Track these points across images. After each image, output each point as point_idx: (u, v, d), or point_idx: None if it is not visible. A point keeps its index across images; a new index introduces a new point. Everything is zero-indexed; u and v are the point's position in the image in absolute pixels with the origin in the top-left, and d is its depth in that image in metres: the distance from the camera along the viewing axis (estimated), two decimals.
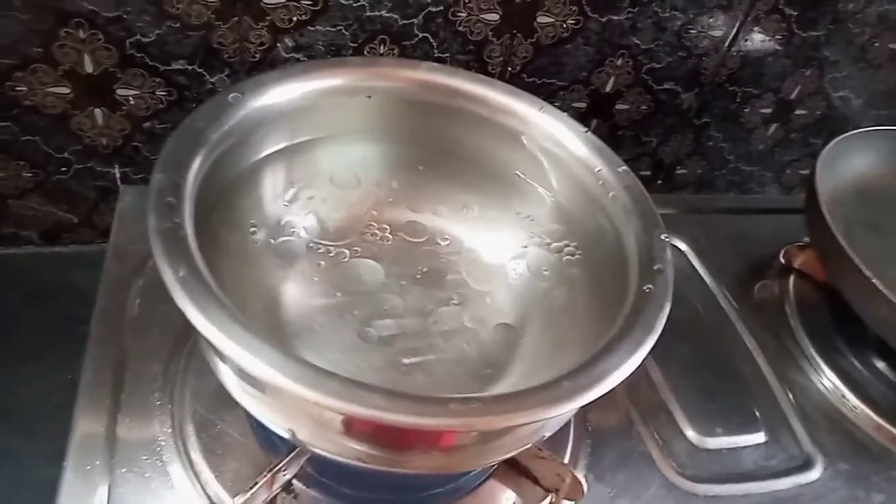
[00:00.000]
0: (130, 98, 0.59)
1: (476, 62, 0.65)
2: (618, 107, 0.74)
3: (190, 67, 0.58)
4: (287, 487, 0.44)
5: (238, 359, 0.32)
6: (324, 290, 0.49)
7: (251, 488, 0.41)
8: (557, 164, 0.50)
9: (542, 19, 0.63)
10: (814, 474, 0.55)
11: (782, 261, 0.71)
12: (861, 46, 0.76)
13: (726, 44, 0.71)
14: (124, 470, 0.44)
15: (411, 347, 0.47)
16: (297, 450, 0.42)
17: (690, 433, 0.55)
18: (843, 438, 0.58)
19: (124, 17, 0.54)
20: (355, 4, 0.58)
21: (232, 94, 0.44)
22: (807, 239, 0.70)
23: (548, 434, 0.42)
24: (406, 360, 0.46)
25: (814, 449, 0.57)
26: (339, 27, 0.59)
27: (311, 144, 0.50)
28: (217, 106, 0.43)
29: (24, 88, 0.56)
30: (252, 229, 0.47)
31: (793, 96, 0.79)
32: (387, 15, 0.59)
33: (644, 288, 0.41)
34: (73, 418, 0.46)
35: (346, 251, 0.51)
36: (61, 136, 0.60)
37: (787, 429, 0.58)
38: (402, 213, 0.54)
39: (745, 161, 0.85)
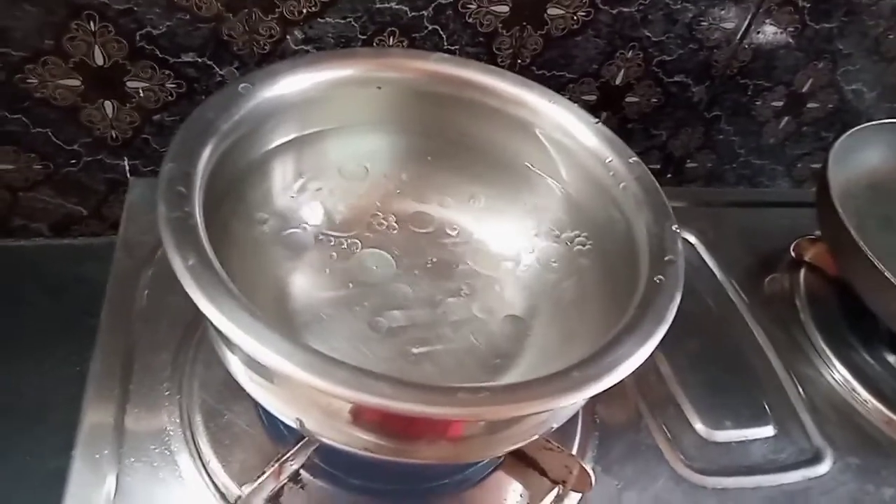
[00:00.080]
0: (140, 90, 0.59)
1: (486, 54, 0.65)
2: (628, 99, 0.73)
3: (200, 60, 0.58)
4: (295, 477, 0.45)
5: (246, 347, 0.32)
6: (333, 280, 0.49)
7: (259, 478, 0.41)
8: (567, 155, 0.50)
9: (553, 11, 0.63)
10: (823, 468, 0.55)
11: (793, 254, 0.70)
12: (875, 39, 0.75)
13: (738, 36, 0.71)
14: (133, 460, 0.45)
15: (420, 337, 0.47)
16: (305, 440, 0.42)
17: (699, 426, 0.55)
18: (852, 432, 0.58)
19: (135, 9, 0.54)
20: None
21: (242, 85, 0.44)
22: (817, 232, 0.69)
23: (556, 425, 0.41)
24: (415, 350, 0.46)
25: (823, 442, 0.56)
26: (348, 19, 0.59)
27: (320, 135, 0.50)
28: (227, 96, 0.43)
29: (35, 81, 0.56)
30: (261, 220, 0.47)
31: (805, 89, 0.79)
32: (396, 7, 0.59)
33: (655, 279, 0.40)
34: (82, 408, 0.46)
35: (356, 242, 0.51)
36: (71, 128, 0.60)
37: (796, 422, 0.58)
38: (411, 204, 0.54)
39: (756, 154, 0.85)
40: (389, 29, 0.61)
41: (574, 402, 0.36)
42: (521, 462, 0.48)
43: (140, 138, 0.62)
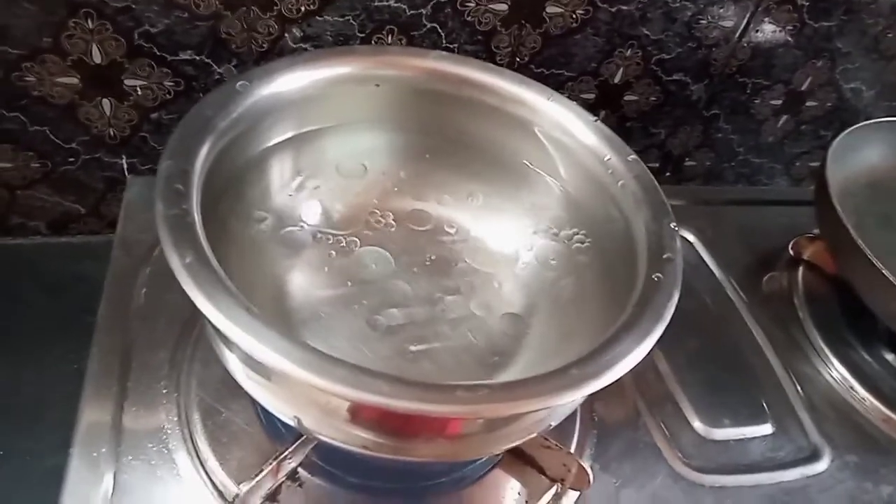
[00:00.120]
0: (138, 88, 0.59)
1: (484, 53, 0.65)
2: (626, 98, 0.73)
3: (198, 58, 0.58)
4: (292, 475, 0.44)
5: (244, 345, 0.32)
6: (332, 278, 0.49)
7: (256, 476, 0.41)
8: (566, 153, 0.50)
9: (552, 9, 0.63)
10: (821, 466, 0.55)
11: (791, 252, 0.70)
12: (874, 37, 0.75)
13: (737, 34, 0.71)
14: (130, 458, 0.45)
15: (418, 335, 0.47)
16: (303, 438, 0.42)
17: (697, 424, 0.55)
18: (851, 430, 0.58)
19: (133, 7, 0.54)
20: None
21: (240, 83, 0.44)
22: (816, 231, 0.69)
23: (554, 423, 0.41)
24: (413, 348, 0.46)
25: (821, 440, 0.56)
26: (346, 17, 0.59)
27: (318, 133, 0.50)
28: (225, 94, 0.43)
29: (33, 79, 0.56)
30: (259, 218, 0.47)
31: (803, 88, 0.79)
32: (395, 5, 0.59)
33: (653, 276, 0.40)
34: (80, 407, 0.46)
35: (354, 240, 0.51)
36: (69, 126, 0.60)
37: (794, 420, 0.58)
38: (409, 201, 0.54)
39: (755, 153, 0.85)
40: (388, 27, 0.61)
41: (572, 399, 0.36)
42: (520, 460, 0.48)
43: (138, 136, 0.62)
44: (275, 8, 0.57)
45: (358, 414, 0.35)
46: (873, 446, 0.57)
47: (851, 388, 0.61)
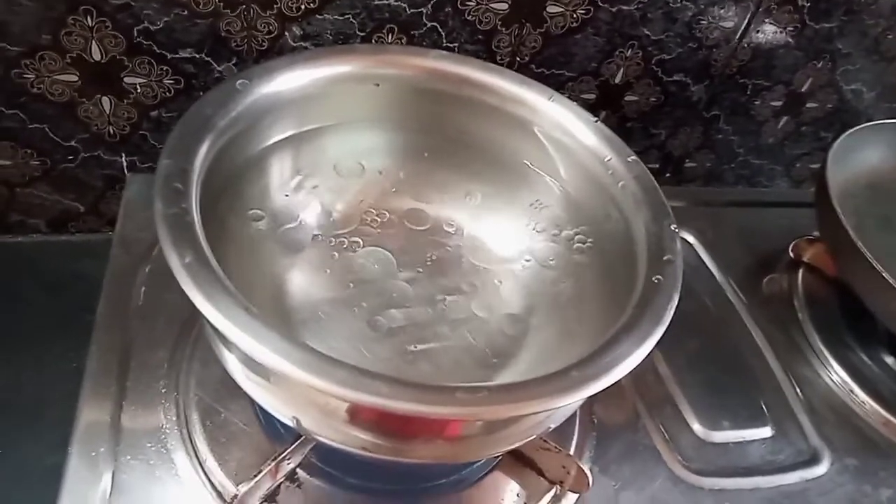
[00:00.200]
0: (138, 86, 0.59)
1: (485, 52, 0.64)
2: (627, 98, 0.73)
3: (197, 56, 0.58)
4: (291, 476, 0.44)
5: (243, 345, 0.32)
6: (332, 279, 0.49)
7: (255, 477, 0.41)
8: (566, 154, 0.50)
9: (552, 9, 0.63)
10: (821, 469, 0.55)
11: (791, 254, 0.70)
12: (875, 38, 0.75)
13: (737, 35, 0.71)
14: (129, 457, 0.44)
15: (418, 336, 0.47)
16: (302, 438, 0.42)
17: (697, 427, 0.55)
18: (850, 433, 0.58)
19: (132, 4, 0.54)
20: None
21: (239, 81, 0.44)
22: (816, 233, 0.69)
23: (554, 425, 0.41)
24: (412, 349, 0.46)
25: (821, 443, 0.56)
26: (347, 15, 0.59)
27: (318, 132, 0.49)
28: (224, 92, 0.43)
29: (32, 76, 0.56)
30: (259, 217, 0.47)
31: (804, 89, 0.78)
32: (395, 3, 0.59)
33: (653, 278, 0.40)
34: (79, 405, 0.46)
35: (355, 240, 0.51)
36: (68, 124, 0.59)
37: (794, 423, 0.58)
38: (408, 201, 0.53)
39: (755, 154, 0.85)
40: (388, 26, 0.61)
41: (573, 401, 0.36)
42: (519, 462, 0.48)
43: (137, 134, 0.62)
44: (275, 6, 0.57)
45: (357, 415, 0.35)
46: (873, 450, 0.57)
47: (851, 391, 0.61)
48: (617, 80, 0.71)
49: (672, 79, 0.73)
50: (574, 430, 0.52)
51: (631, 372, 0.36)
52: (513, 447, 0.42)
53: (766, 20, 0.70)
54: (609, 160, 0.48)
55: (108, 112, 0.60)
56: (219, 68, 0.59)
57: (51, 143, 0.60)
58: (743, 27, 0.70)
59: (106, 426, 0.46)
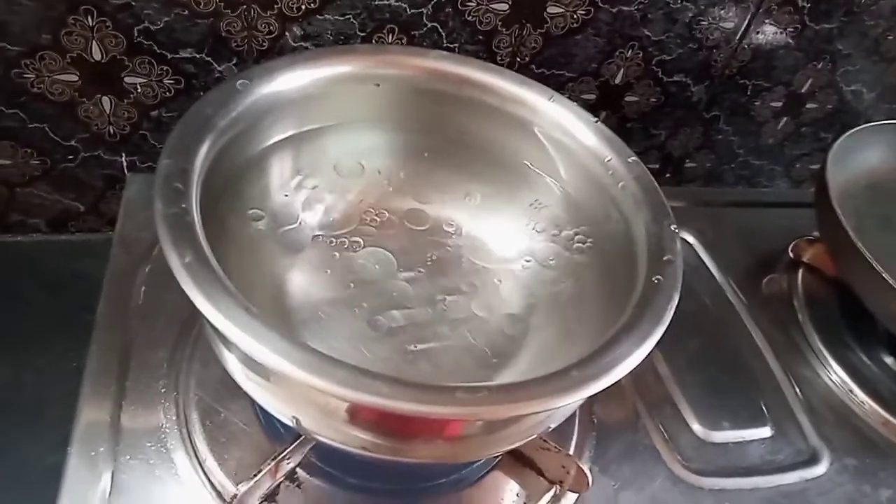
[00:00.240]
0: (138, 86, 0.59)
1: (485, 52, 0.64)
2: (627, 99, 0.73)
3: (198, 56, 0.58)
4: (291, 476, 0.44)
5: (243, 345, 0.32)
6: (332, 279, 0.49)
7: (255, 476, 0.41)
8: (567, 154, 0.50)
9: (553, 9, 0.63)
10: (820, 469, 0.55)
11: (791, 255, 0.70)
12: (875, 39, 0.75)
13: (738, 36, 0.71)
14: (128, 457, 0.44)
15: (418, 336, 0.47)
16: (302, 438, 0.42)
17: (696, 427, 0.55)
18: (850, 433, 0.58)
19: (132, 4, 0.54)
20: None
21: (240, 81, 0.44)
22: (816, 233, 0.69)
23: (554, 425, 0.41)
24: (412, 348, 0.46)
25: (820, 444, 0.56)
26: (347, 16, 0.59)
27: (318, 132, 0.49)
28: (225, 92, 0.43)
29: (32, 76, 0.56)
30: (259, 217, 0.47)
31: (804, 90, 0.78)
32: (396, 4, 0.59)
33: (653, 278, 0.40)
34: (79, 405, 0.46)
35: (356, 240, 0.51)
36: (68, 123, 0.59)
37: (793, 423, 0.58)
38: (408, 201, 0.53)
39: (755, 155, 0.85)
40: (388, 26, 0.61)
41: (573, 401, 0.36)
42: (519, 462, 0.48)
43: (138, 134, 0.62)
44: (275, 6, 0.57)
45: (357, 415, 0.35)
46: (872, 450, 0.57)
47: (851, 391, 0.61)
48: (617, 81, 0.71)
49: (672, 79, 0.73)
50: (574, 429, 0.52)
51: (631, 372, 0.36)
52: (512, 447, 0.42)
53: (767, 21, 0.70)
54: (609, 160, 0.48)
55: (108, 112, 0.60)
56: (219, 68, 0.59)
57: (51, 143, 0.60)
58: (743, 28, 0.70)
59: (106, 426, 0.46)
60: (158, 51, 0.57)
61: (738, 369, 0.61)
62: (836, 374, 0.62)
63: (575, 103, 0.50)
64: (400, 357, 0.45)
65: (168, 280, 0.33)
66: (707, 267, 0.68)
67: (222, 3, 0.55)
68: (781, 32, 0.72)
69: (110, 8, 0.54)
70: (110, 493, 0.43)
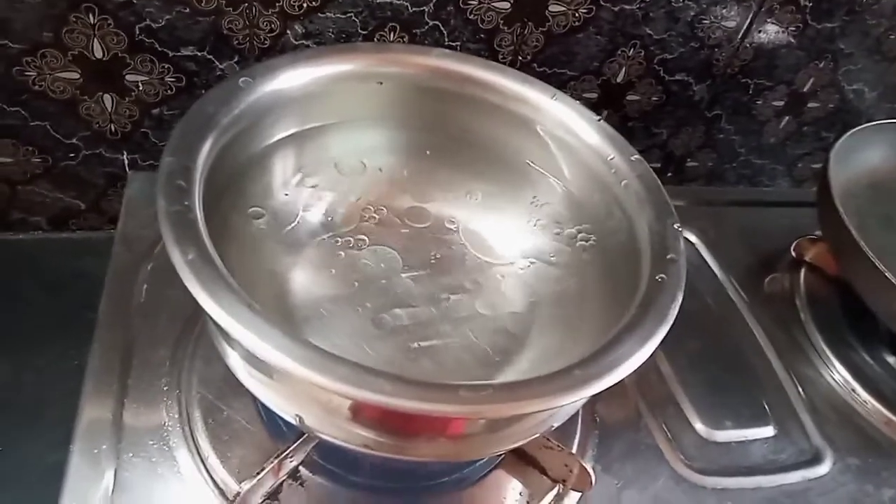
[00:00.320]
0: (139, 84, 0.59)
1: (487, 51, 0.64)
2: (629, 97, 0.73)
3: (199, 54, 0.58)
4: (294, 474, 0.44)
5: (246, 342, 0.31)
6: (335, 276, 0.49)
7: (258, 475, 0.41)
8: (569, 153, 0.50)
9: (554, 8, 0.63)
10: (823, 469, 0.55)
11: (793, 254, 0.70)
12: (877, 38, 0.75)
13: (739, 35, 0.71)
14: (131, 455, 0.44)
15: (421, 334, 0.47)
16: (305, 436, 0.42)
17: (699, 426, 0.55)
18: (852, 433, 0.58)
19: (134, 2, 0.54)
20: None
21: (242, 79, 0.44)
22: (818, 232, 0.69)
23: (557, 424, 0.41)
24: (414, 346, 0.46)
25: (823, 443, 0.56)
26: (349, 14, 0.59)
27: (321, 130, 0.49)
28: (227, 90, 0.43)
29: (34, 73, 0.56)
30: (261, 215, 0.47)
31: (806, 89, 0.78)
32: (397, 2, 0.59)
33: (657, 277, 0.40)
34: (81, 403, 0.46)
35: (361, 237, 0.51)
36: (70, 121, 0.59)
37: (796, 423, 0.57)
38: (410, 200, 0.53)
39: (757, 154, 0.85)
40: (390, 24, 0.60)
41: (576, 400, 0.36)
42: (521, 460, 0.48)
43: (139, 132, 0.62)
44: (277, 4, 0.57)
45: (360, 413, 0.35)
46: (875, 449, 0.57)
47: (853, 390, 0.61)
48: (619, 80, 0.71)
49: (674, 78, 0.73)
50: (576, 428, 0.52)
51: (634, 371, 0.36)
52: (515, 445, 0.41)
53: (769, 20, 0.70)
54: (612, 159, 0.48)
55: (109, 110, 0.60)
56: (221, 66, 0.59)
57: (52, 141, 0.60)
58: (745, 27, 0.70)
59: (108, 424, 0.45)
60: (160, 49, 0.57)
61: (740, 368, 0.61)
62: (838, 374, 0.62)
63: (577, 102, 0.50)
64: (402, 355, 0.45)
65: (170, 277, 0.33)
66: (709, 266, 0.68)
67: (224, 1, 0.55)
68: (783, 31, 0.72)
69: (112, 6, 0.53)
70: (113, 490, 0.43)
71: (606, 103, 0.73)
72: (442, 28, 0.62)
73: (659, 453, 0.53)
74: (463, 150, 0.52)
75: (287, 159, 0.49)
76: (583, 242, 0.49)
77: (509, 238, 0.53)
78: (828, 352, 0.63)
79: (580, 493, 0.48)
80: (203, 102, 0.41)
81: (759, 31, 0.71)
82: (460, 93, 0.50)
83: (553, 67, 0.68)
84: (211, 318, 0.32)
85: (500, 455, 0.48)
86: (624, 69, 0.70)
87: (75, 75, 0.57)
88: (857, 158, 0.69)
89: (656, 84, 0.73)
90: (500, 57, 0.65)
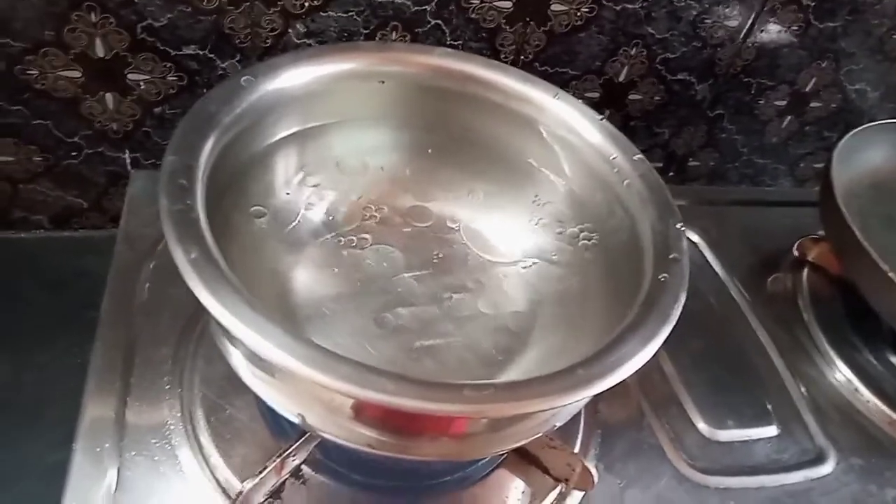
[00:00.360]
0: (141, 83, 0.59)
1: (489, 50, 0.64)
2: (631, 97, 0.73)
3: (201, 52, 0.58)
4: (296, 473, 0.44)
5: (248, 341, 0.31)
6: (337, 275, 0.49)
7: (260, 473, 0.41)
8: (571, 152, 0.50)
9: (556, 7, 0.63)
10: (826, 468, 0.55)
11: (796, 253, 0.70)
12: (879, 38, 0.75)
13: (742, 34, 0.70)
14: (133, 453, 0.44)
15: (424, 333, 0.47)
16: (307, 435, 0.42)
17: (702, 425, 0.55)
18: (855, 433, 0.58)
19: (135, 1, 0.54)
20: None
21: (244, 78, 0.44)
22: (821, 232, 0.69)
23: (559, 423, 0.41)
24: (417, 345, 0.46)
25: (826, 443, 0.56)
26: (350, 13, 0.59)
27: (323, 129, 0.49)
28: (229, 89, 0.43)
29: (35, 72, 0.56)
30: (263, 213, 0.47)
31: (808, 89, 0.78)
32: (399, 1, 0.59)
33: (659, 277, 0.40)
34: (83, 402, 0.46)
35: (364, 236, 0.51)
36: (72, 120, 0.59)
37: (799, 422, 0.57)
38: (411, 199, 0.53)
39: (759, 154, 0.85)
40: (392, 23, 0.60)
41: (579, 400, 0.36)
42: (524, 460, 0.48)
43: (141, 131, 0.62)
44: (278, 3, 0.57)
45: (362, 412, 0.35)
46: (878, 449, 0.57)
47: (856, 390, 0.61)
48: (621, 79, 0.71)
49: (676, 78, 0.72)
50: (579, 428, 0.52)
51: (636, 370, 0.36)
52: (518, 445, 0.41)
53: (771, 19, 0.70)
54: (614, 158, 0.48)
55: (111, 108, 0.60)
56: (222, 65, 0.59)
57: (54, 140, 0.60)
58: (747, 26, 0.70)
59: (110, 422, 0.45)
60: (162, 47, 0.57)
61: (743, 368, 0.61)
62: (841, 373, 0.62)
63: (580, 101, 0.50)
64: (405, 354, 0.45)
65: (172, 276, 0.33)
66: (711, 266, 0.68)
67: (225, 0, 0.55)
68: (786, 31, 0.72)
69: (113, 4, 0.53)
70: (115, 489, 0.43)
71: (608, 103, 0.73)
72: (444, 27, 0.62)
73: (661, 453, 0.53)
74: (465, 149, 0.52)
75: (289, 158, 0.49)
76: (585, 241, 0.49)
77: (511, 237, 0.52)
78: (831, 351, 0.63)
79: (583, 493, 0.48)
80: (205, 101, 0.41)
81: (762, 31, 0.71)
82: (462, 92, 0.50)
83: (555, 67, 0.68)
84: (213, 316, 0.32)
85: (503, 454, 0.48)
86: (626, 68, 0.70)
87: (77, 74, 0.57)
88: (860, 158, 0.69)
89: (658, 83, 0.72)
90: (502, 56, 0.65)
